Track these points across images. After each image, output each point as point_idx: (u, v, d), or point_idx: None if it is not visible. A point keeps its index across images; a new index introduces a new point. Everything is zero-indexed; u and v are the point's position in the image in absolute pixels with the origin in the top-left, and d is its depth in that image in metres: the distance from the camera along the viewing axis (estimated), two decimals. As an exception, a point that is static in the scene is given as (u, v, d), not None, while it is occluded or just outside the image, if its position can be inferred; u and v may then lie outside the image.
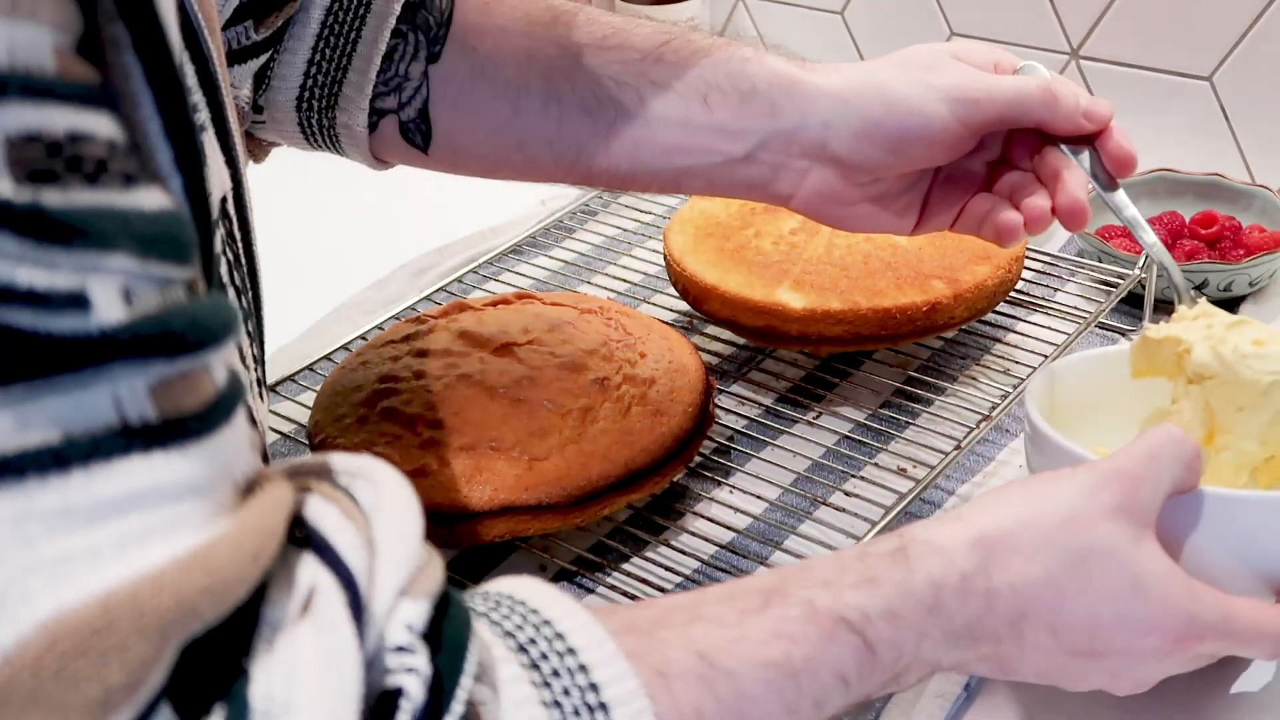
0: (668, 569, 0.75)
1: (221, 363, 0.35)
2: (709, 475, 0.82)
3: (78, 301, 0.31)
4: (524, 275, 1.05)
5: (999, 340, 0.93)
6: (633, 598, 0.73)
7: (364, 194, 1.23)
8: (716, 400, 0.87)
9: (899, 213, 0.71)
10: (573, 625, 0.42)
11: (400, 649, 0.37)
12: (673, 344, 0.84)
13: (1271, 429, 0.63)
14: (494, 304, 0.89)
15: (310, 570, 0.36)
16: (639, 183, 0.72)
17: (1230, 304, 0.96)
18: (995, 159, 0.70)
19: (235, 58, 0.70)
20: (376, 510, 0.39)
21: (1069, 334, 0.89)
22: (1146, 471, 0.56)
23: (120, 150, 0.32)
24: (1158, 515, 0.56)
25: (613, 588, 0.74)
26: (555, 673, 0.40)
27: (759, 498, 0.80)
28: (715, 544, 0.76)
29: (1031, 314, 0.95)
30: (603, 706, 0.40)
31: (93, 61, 0.32)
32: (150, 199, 0.33)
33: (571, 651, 0.41)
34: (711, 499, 0.80)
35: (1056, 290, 0.98)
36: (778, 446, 0.85)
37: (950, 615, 0.51)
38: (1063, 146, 0.67)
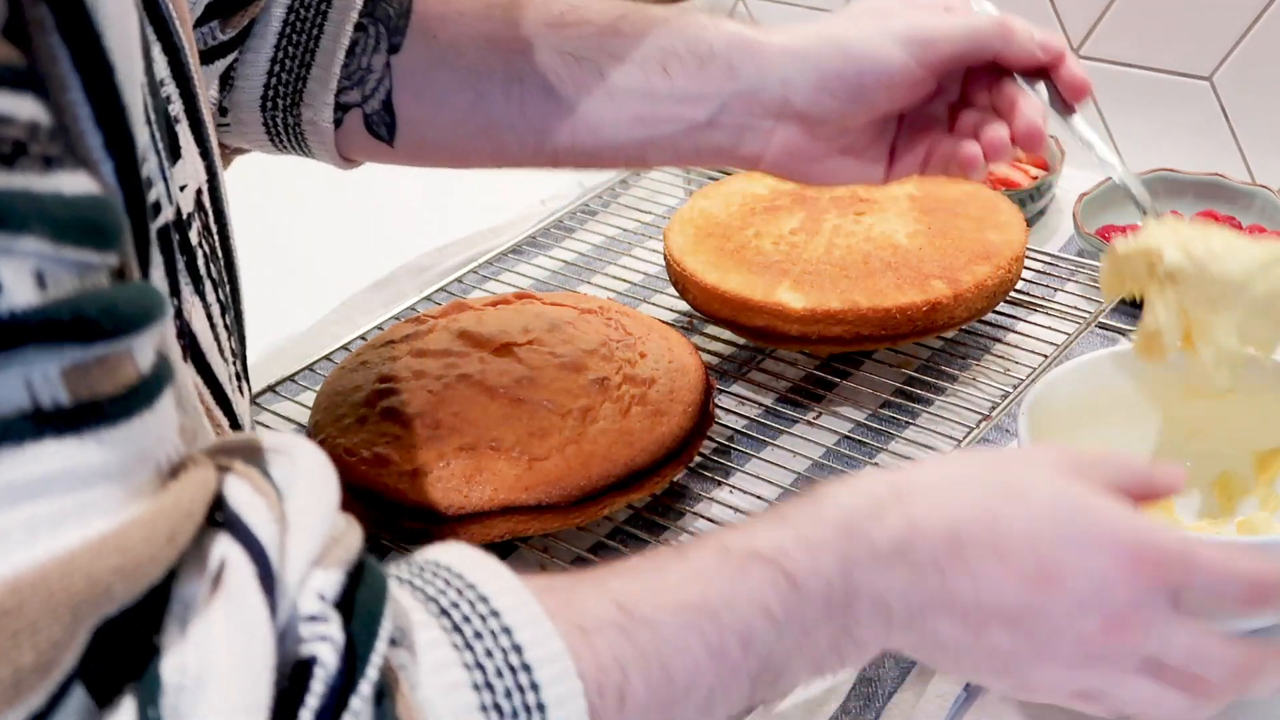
0: (668, 569, 0.75)
1: (147, 348, 0.35)
2: (709, 475, 0.82)
3: None
4: (524, 275, 1.05)
5: (999, 340, 0.93)
6: (633, 598, 0.73)
7: (364, 194, 1.23)
8: (716, 400, 0.87)
9: (868, 162, 0.72)
10: (497, 588, 0.42)
11: (313, 618, 0.37)
12: (673, 344, 0.84)
13: (1249, 323, 0.63)
14: (494, 304, 0.89)
15: (221, 546, 0.36)
16: (604, 158, 0.73)
17: (1230, 304, 0.96)
18: (955, 100, 0.71)
19: (203, 58, 0.71)
20: (290, 485, 0.39)
21: (1069, 334, 0.89)
22: (1099, 458, 0.55)
23: (42, 133, 0.32)
24: None
25: (613, 588, 0.74)
26: (478, 635, 0.40)
27: (759, 498, 0.80)
28: (715, 544, 0.76)
29: (1031, 314, 0.95)
30: (526, 667, 0.40)
31: (19, 44, 0.32)
32: (72, 183, 0.33)
33: (495, 614, 0.41)
34: (711, 499, 0.80)
35: (1056, 290, 0.98)
36: (778, 446, 0.84)
37: (869, 535, 0.49)
38: (1019, 79, 0.68)
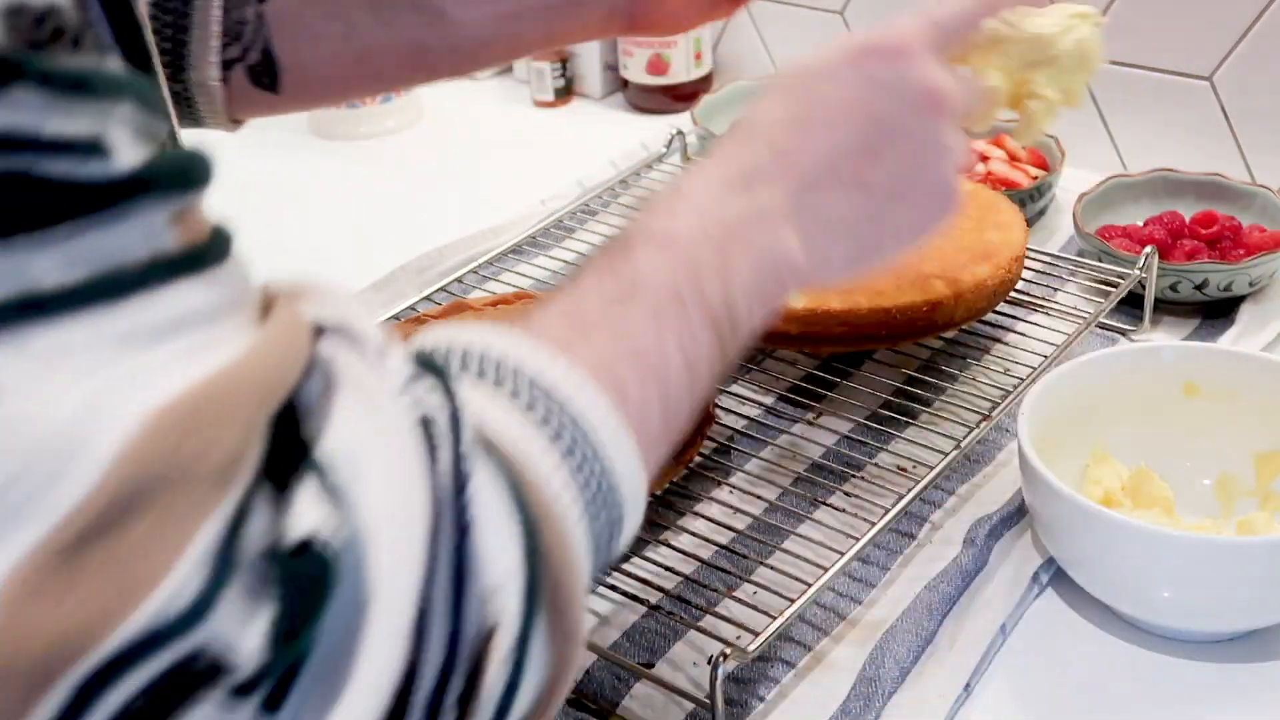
0: (667, 569, 0.75)
1: (208, 203, 0.38)
2: (709, 475, 0.82)
3: (98, 147, 0.33)
4: (524, 275, 1.05)
5: (999, 340, 0.93)
6: (634, 599, 0.73)
7: (364, 194, 1.23)
8: (716, 400, 0.87)
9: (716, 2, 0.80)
10: (491, 343, 0.44)
11: (410, 383, 0.40)
12: (673, 344, 0.84)
13: (1062, 77, 0.67)
14: (494, 304, 0.89)
15: (318, 348, 0.39)
16: (481, 58, 0.78)
17: (1230, 304, 0.96)
18: None
19: None
20: (323, 299, 0.42)
21: (1069, 334, 0.89)
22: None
23: (86, 27, 0.34)
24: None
25: (613, 588, 0.74)
26: (500, 379, 0.43)
27: (759, 498, 0.80)
28: (715, 544, 0.76)
29: (1031, 314, 0.95)
30: (550, 393, 0.43)
31: None
32: (121, 69, 0.35)
33: (501, 361, 0.44)
34: (711, 499, 0.80)
35: (1056, 290, 0.98)
36: (778, 446, 0.85)
37: (698, 187, 0.53)
38: None
